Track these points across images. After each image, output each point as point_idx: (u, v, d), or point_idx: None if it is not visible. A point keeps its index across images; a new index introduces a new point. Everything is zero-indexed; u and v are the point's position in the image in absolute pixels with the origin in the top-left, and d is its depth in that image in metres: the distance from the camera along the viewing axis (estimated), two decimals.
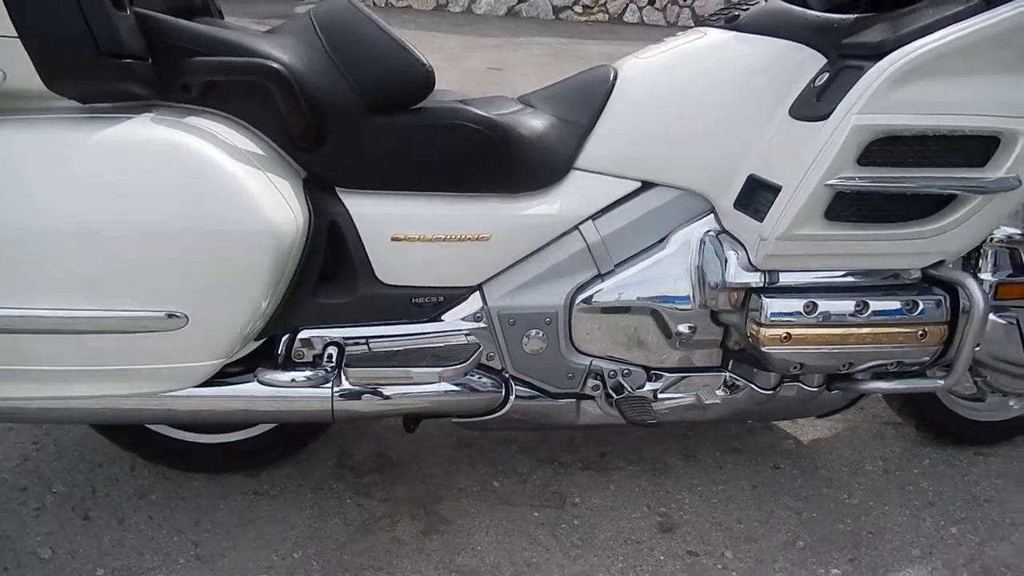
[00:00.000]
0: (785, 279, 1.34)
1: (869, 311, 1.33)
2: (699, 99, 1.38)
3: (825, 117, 1.23)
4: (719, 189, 1.39)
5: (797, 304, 1.32)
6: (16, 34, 1.02)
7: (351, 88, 1.23)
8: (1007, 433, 1.81)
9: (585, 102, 1.40)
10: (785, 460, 1.73)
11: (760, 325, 1.32)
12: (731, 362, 1.47)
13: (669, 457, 1.72)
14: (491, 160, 1.31)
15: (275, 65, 1.15)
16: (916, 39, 1.19)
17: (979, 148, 1.26)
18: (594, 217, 1.39)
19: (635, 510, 1.55)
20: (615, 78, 1.41)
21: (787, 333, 1.32)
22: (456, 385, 1.36)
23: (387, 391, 1.32)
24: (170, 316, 1.10)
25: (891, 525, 1.55)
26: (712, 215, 1.41)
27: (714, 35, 1.42)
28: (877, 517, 1.57)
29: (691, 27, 1.59)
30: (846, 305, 1.33)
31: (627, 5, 8.47)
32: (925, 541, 1.51)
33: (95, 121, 1.09)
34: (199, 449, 1.54)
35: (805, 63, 1.34)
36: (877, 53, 1.21)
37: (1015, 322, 1.56)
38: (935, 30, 1.19)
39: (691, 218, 1.41)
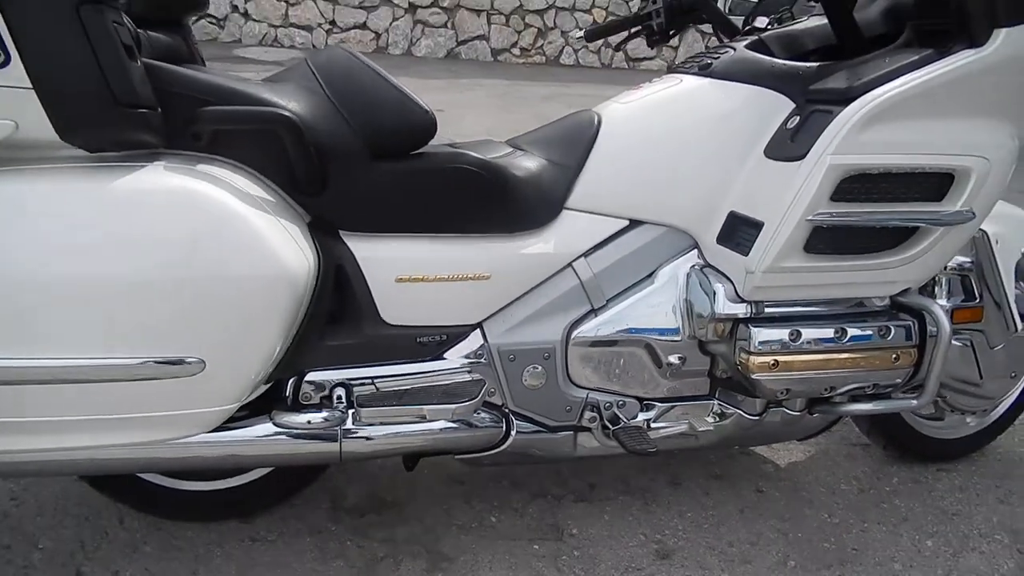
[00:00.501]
0: (769, 310, 1.42)
1: (847, 337, 1.42)
2: (679, 141, 1.46)
3: (801, 157, 1.32)
4: (702, 226, 1.47)
5: (782, 333, 1.40)
6: (30, 85, 1.02)
7: (355, 134, 1.26)
8: (965, 449, 1.93)
9: (572, 145, 1.47)
10: (767, 483, 1.80)
11: (749, 354, 1.39)
12: (718, 390, 1.54)
13: (656, 485, 1.77)
14: (490, 201, 1.36)
15: (286, 113, 1.18)
16: (879, 85, 1.30)
17: (936, 184, 1.38)
18: (586, 254, 1.45)
19: (631, 538, 1.59)
20: (599, 122, 1.48)
21: (775, 360, 1.40)
22: (460, 422, 1.39)
23: (394, 430, 1.34)
24: (187, 362, 1.11)
25: (872, 542, 1.63)
26: (696, 250, 1.49)
27: (689, 82, 1.51)
28: (858, 534, 1.65)
29: (661, 73, 1.69)
30: (827, 332, 1.42)
31: (563, 48, 8.73)
32: (904, 555, 1.60)
33: (108, 170, 1.10)
34: (192, 497, 1.51)
35: (775, 107, 1.43)
36: (845, 98, 1.31)
37: (969, 344, 1.68)
38: (895, 77, 1.30)
39: (676, 253, 1.48)
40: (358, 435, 1.32)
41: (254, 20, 8.12)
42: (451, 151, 1.34)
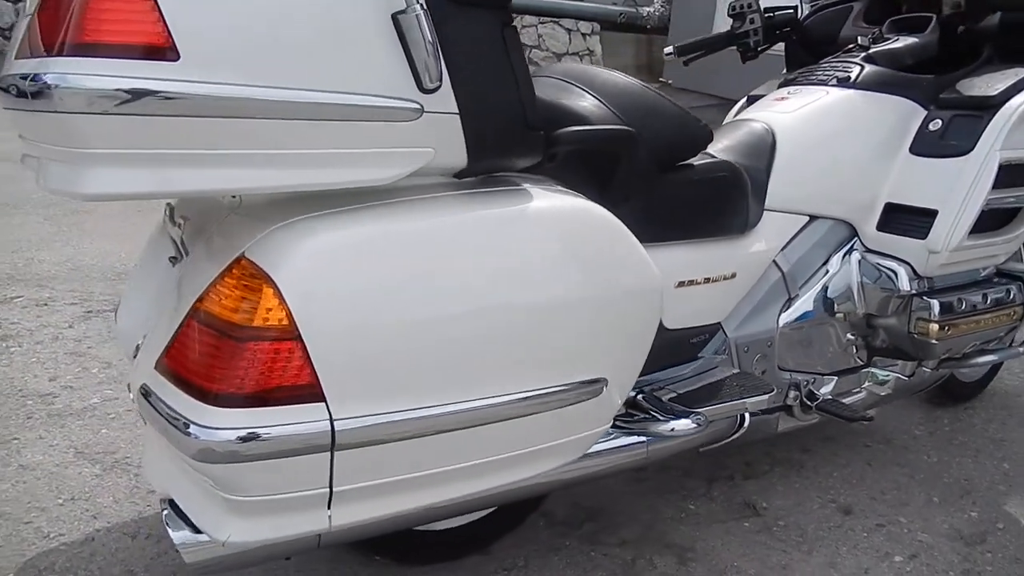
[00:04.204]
0: (938, 284, 1.67)
1: (989, 301, 1.71)
2: (842, 145, 1.67)
3: (965, 153, 1.58)
4: (863, 217, 1.69)
5: (952, 302, 1.66)
6: (456, 110, 0.97)
7: (647, 148, 1.31)
8: (978, 388, 2.34)
9: (757, 152, 1.62)
10: (868, 439, 2.07)
11: (929, 322, 1.63)
12: (874, 359, 1.76)
13: (794, 455, 1.96)
14: (738, 205, 1.47)
15: (631, 130, 1.20)
16: (1014, 95, 1.60)
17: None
18: (783, 249, 1.61)
19: (812, 502, 1.77)
20: (772, 131, 1.64)
21: (948, 326, 1.65)
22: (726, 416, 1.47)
23: (689, 428, 1.39)
24: (595, 382, 1.10)
25: (971, 472, 1.95)
26: (856, 239, 1.70)
27: (836, 93, 1.72)
28: (958, 468, 1.97)
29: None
30: (977, 299, 1.70)
31: None
32: (1000, 478, 1.93)
33: (501, 195, 1.07)
34: (441, 538, 1.44)
35: (911, 112, 1.70)
36: (988, 105, 1.60)
37: None
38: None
39: (842, 242, 1.69)
40: (663, 438, 1.36)
41: None
42: (710, 160, 1.42)
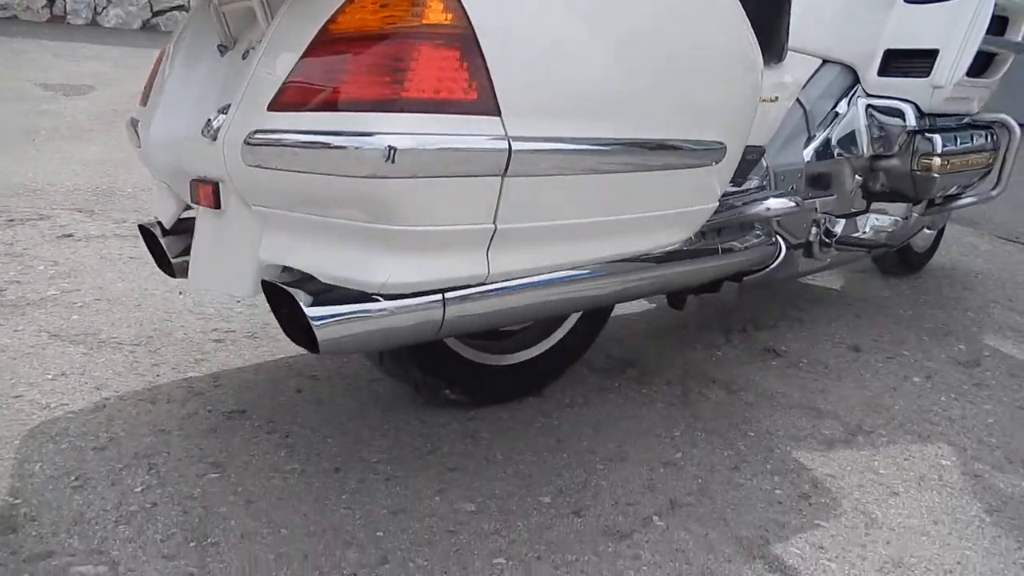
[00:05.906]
0: (937, 124, 1.76)
1: (975, 141, 1.83)
2: None
3: None
4: (865, 62, 1.75)
5: (951, 139, 1.75)
6: None
7: None
8: (926, 259, 2.52)
9: None
10: (849, 300, 2.17)
11: (932, 156, 1.72)
12: (871, 203, 1.84)
13: (792, 312, 2.03)
14: (782, 29, 1.48)
15: None
16: None
17: (996, 23, 1.85)
18: (804, 87, 1.64)
19: (823, 344, 1.84)
20: None
21: (948, 161, 1.74)
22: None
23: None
24: (718, 145, 1.06)
25: (944, 319, 2.09)
26: (858, 86, 1.76)
27: None
28: (932, 317, 2.10)
29: None
30: (968, 137, 1.81)
31: None
32: (967, 322, 2.09)
33: None
34: (490, 372, 1.37)
35: None
36: None
37: None
38: None
39: (848, 88, 1.75)
40: (741, 251, 1.35)
41: None
42: None
